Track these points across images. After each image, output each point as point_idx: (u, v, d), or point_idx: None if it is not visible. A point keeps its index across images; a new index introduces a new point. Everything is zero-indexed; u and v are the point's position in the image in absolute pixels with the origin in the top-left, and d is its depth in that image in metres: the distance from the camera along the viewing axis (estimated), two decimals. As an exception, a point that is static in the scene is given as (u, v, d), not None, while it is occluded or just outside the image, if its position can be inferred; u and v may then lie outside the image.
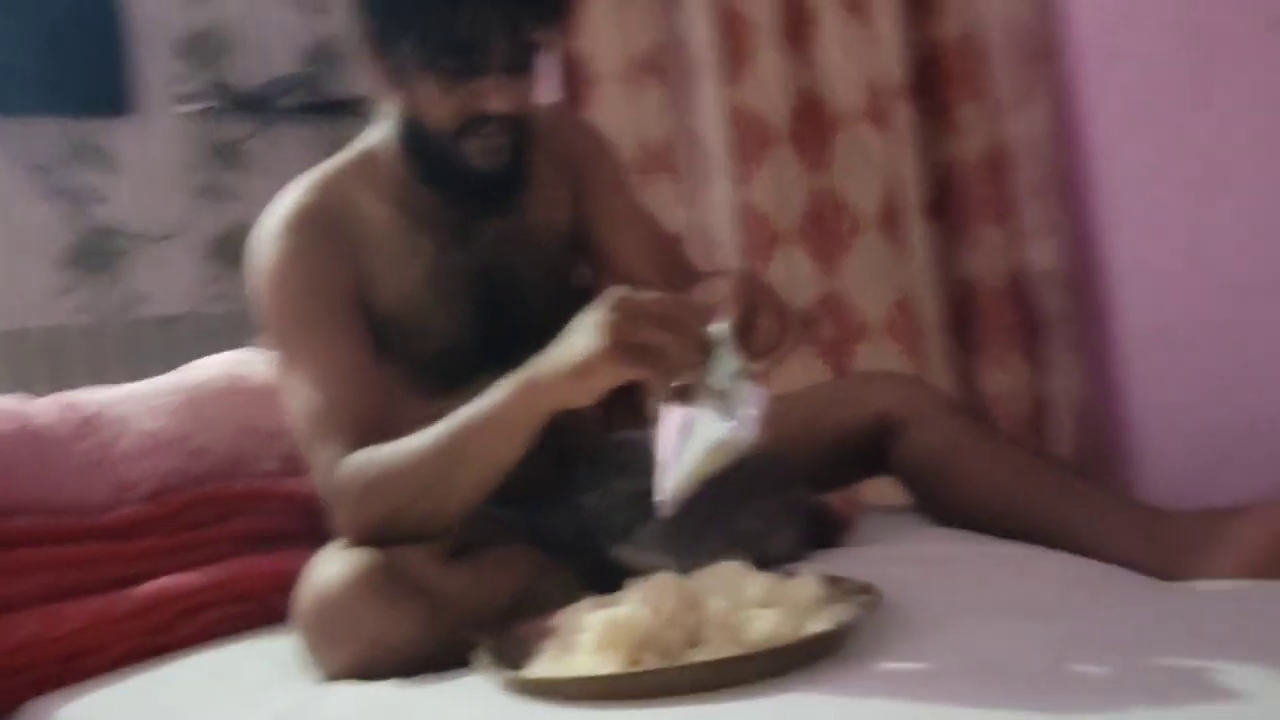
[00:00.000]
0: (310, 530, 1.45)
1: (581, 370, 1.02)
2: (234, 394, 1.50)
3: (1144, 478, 1.79)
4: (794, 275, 2.38)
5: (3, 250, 2.32)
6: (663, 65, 2.50)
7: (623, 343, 0.99)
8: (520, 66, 1.26)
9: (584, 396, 1.05)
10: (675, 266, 1.44)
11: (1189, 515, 1.17)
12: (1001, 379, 2.06)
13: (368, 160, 1.37)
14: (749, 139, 2.40)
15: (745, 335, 1.02)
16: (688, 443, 1.00)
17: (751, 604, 0.99)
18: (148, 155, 2.51)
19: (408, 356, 1.33)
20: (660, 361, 0.99)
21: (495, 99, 1.24)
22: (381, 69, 1.28)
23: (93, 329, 2.41)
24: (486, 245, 1.38)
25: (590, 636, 0.93)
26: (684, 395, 1.00)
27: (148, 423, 1.41)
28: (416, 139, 1.29)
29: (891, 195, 2.21)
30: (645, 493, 1.27)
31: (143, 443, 1.39)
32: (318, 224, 1.30)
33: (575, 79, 2.60)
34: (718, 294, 1.06)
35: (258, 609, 1.33)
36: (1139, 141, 1.83)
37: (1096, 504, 1.23)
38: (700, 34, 2.46)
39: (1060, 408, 1.94)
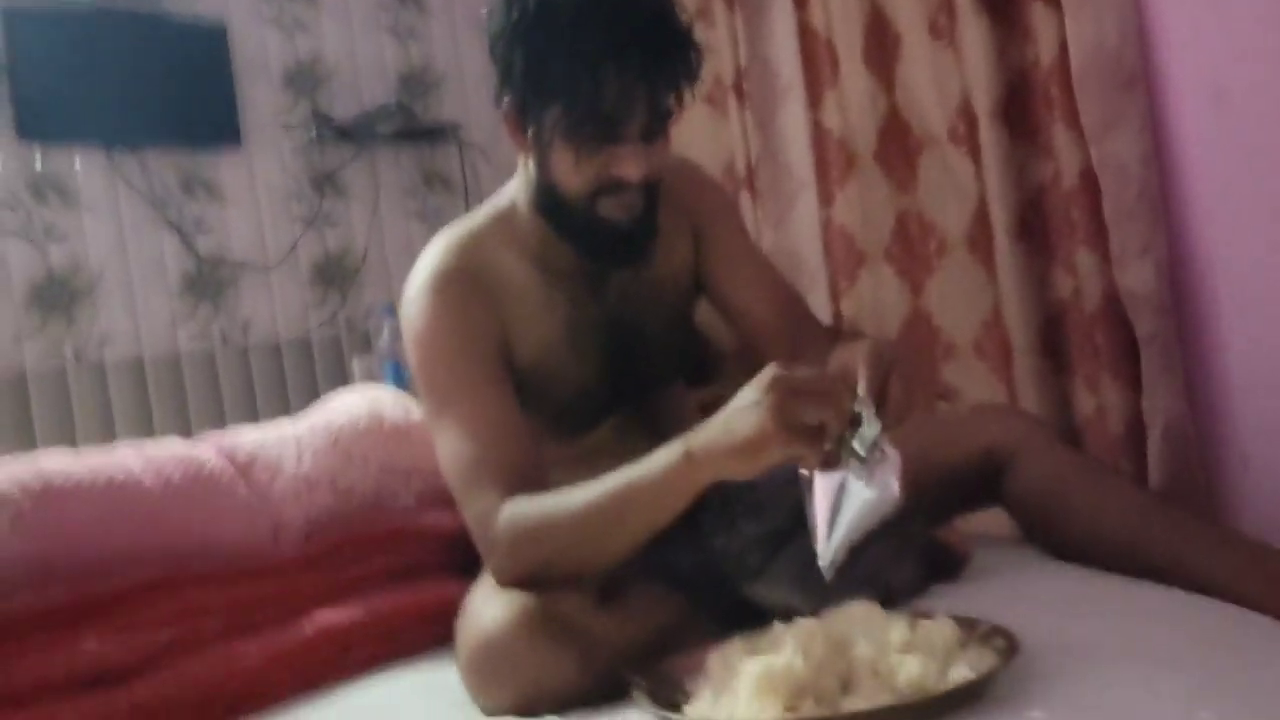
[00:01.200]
0: (445, 564, 1.55)
1: (747, 450, 1.07)
2: (374, 434, 1.58)
3: (1244, 503, 1.81)
4: (881, 295, 2.43)
5: (124, 280, 2.43)
6: (747, 87, 2.57)
7: (786, 424, 1.04)
8: (656, 133, 1.32)
9: (747, 473, 1.09)
10: (798, 316, 1.51)
11: (1306, 554, 1.21)
12: (1094, 401, 2.10)
13: (504, 218, 1.44)
14: (834, 159, 2.46)
15: (879, 401, 1.08)
16: (844, 507, 1.07)
17: (895, 648, 1.05)
18: (255, 185, 2.61)
19: (542, 403, 1.41)
20: (819, 439, 1.06)
21: (632, 166, 1.30)
22: (520, 134, 1.35)
23: (205, 355, 2.52)
24: (616, 297, 1.45)
25: (748, 683, 1.00)
26: (830, 461, 1.07)
27: (298, 465, 1.49)
28: (552, 202, 1.36)
29: (979, 216, 2.25)
30: (773, 533, 1.35)
31: (296, 484, 1.48)
32: (462, 282, 1.37)
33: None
34: (851, 359, 1.11)
35: (403, 643, 1.41)
36: (1233, 164, 1.84)
37: (1209, 540, 1.28)
38: (786, 56, 2.52)
39: (1155, 431, 1.97)
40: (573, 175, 1.32)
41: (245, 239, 2.60)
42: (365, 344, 2.73)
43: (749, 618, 1.31)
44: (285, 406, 2.60)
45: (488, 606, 1.20)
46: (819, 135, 2.50)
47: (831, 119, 2.47)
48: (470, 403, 1.30)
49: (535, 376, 1.39)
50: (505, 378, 1.35)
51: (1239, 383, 1.78)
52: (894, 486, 1.05)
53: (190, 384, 2.50)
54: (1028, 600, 1.26)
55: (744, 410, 1.07)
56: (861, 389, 1.07)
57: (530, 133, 1.33)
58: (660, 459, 1.15)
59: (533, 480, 1.27)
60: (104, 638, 1.23)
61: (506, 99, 1.32)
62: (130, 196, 2.45)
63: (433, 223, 2.88)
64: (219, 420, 2.51)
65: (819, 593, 1.27)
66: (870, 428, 1.06)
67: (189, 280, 2.53)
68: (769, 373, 1.07)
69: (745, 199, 2.62)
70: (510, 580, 1.22)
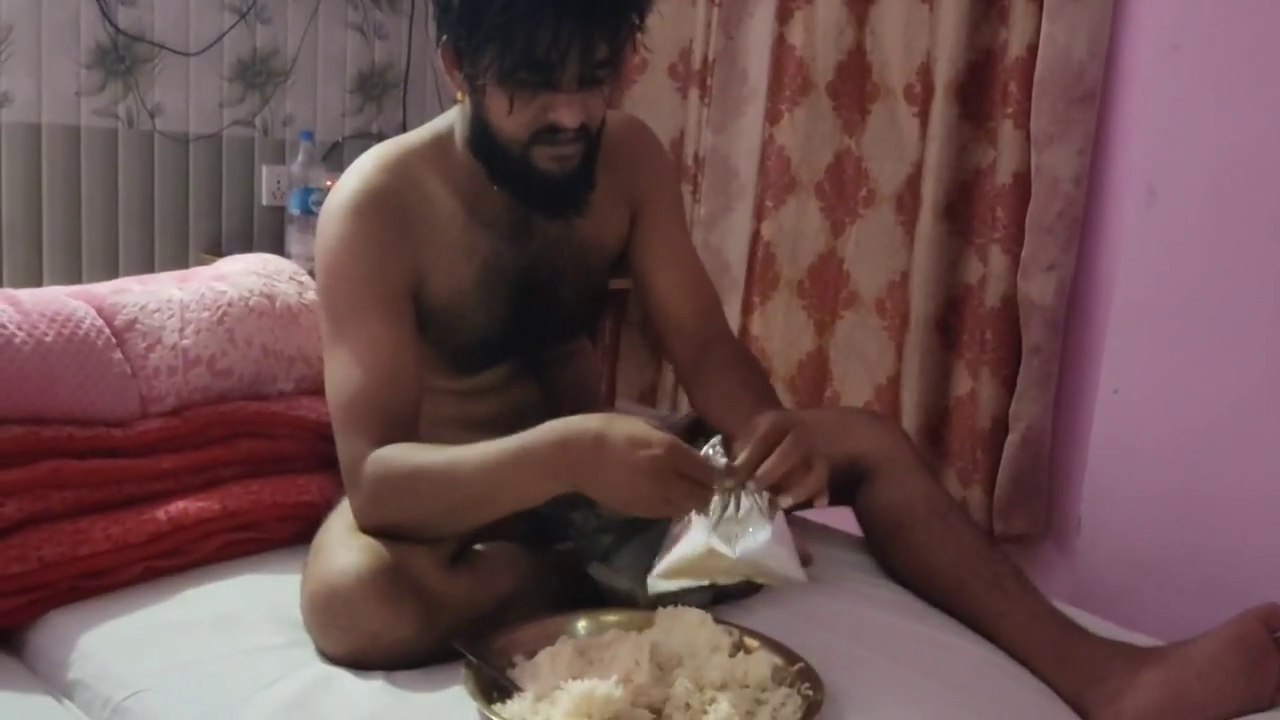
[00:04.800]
0: (313, 454, 1.56)
1: (614, 502, 1.14)
2: (262, 315, 1.56)
3: (1069, 559, 1.91)
4: (802, 226, 2.45)
5: (32, 46, 2.29)
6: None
7: (653, 499, 1.12)
8: (593, 80, 1.30)
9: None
10: (712, 322, 1.53)
11: (1105, 647, 1.31)
12: (970, 386, 2.18)
13: (441, 145, 1.39)
14: (789, 79, 2.42)
15: (767, 473, 1.15)
16: (685, 539, 1.13)
17: (710, 685, 1.13)
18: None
19: (441, 340, 1.41)
20: (678, 510, 1.14)
21: (567, 113, 1.28)
22: (457, 72, 1.31)
23: (108, 132, 2.42)
24: (537, 249, 1.43)
25: (566, 702, 1.07)
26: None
27: (179, 337, 1.47)
28: (487, 144, 1.33)
29: (912, 180, 2.26)
30: (628, 522, 1.40)
31: (173, 358, 1.46)
32: (385, 209, 1.33)
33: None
34: (752, 431, 1.17)
35: (258, 537, 1.44)
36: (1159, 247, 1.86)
37: (1026, 609, 1.37)
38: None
39: (1015, 434, 2.07)
40: (507, 120, 1.29)
41: (168, 19, 2.46)
42: (279, 154, 2.65)
43: (594, 587, 1.38)
44: (184, 201, 2.53)
45: (340, 551, 1.22)
46: (780, 50, 2.45)
47: (796, 37, 2.42)
48: (365, 336, 1.30)
49: (440, 316, 1.39)
50: (406, 314, 1.34)
51: (1096, 438, 1.86)
52: (763, 547, 1.12)
53: (86, 160, 2.41)
54: (843, 619, 1.35)
55: (630, 458, 1.11)
56: (741, 458, 1.14)
57: (466, 75, 1.29)
58: (539, 458, 1.17)
59: (407, 425, 1.29)
60: (-53, 502, 1.22)
61: (444, 38, 1.29)
62: (49, -45, 2.28)
63: (371, 40, 2.76)
64: (111, 203, 2.44)
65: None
66: (742, 495, 1.12)
67: (101, 52, 2.40)
68: (661, 449, 1.11)
69: (694, 95, 2.58)
70: (369, 526, 1.25)
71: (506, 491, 1.20)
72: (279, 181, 2.61)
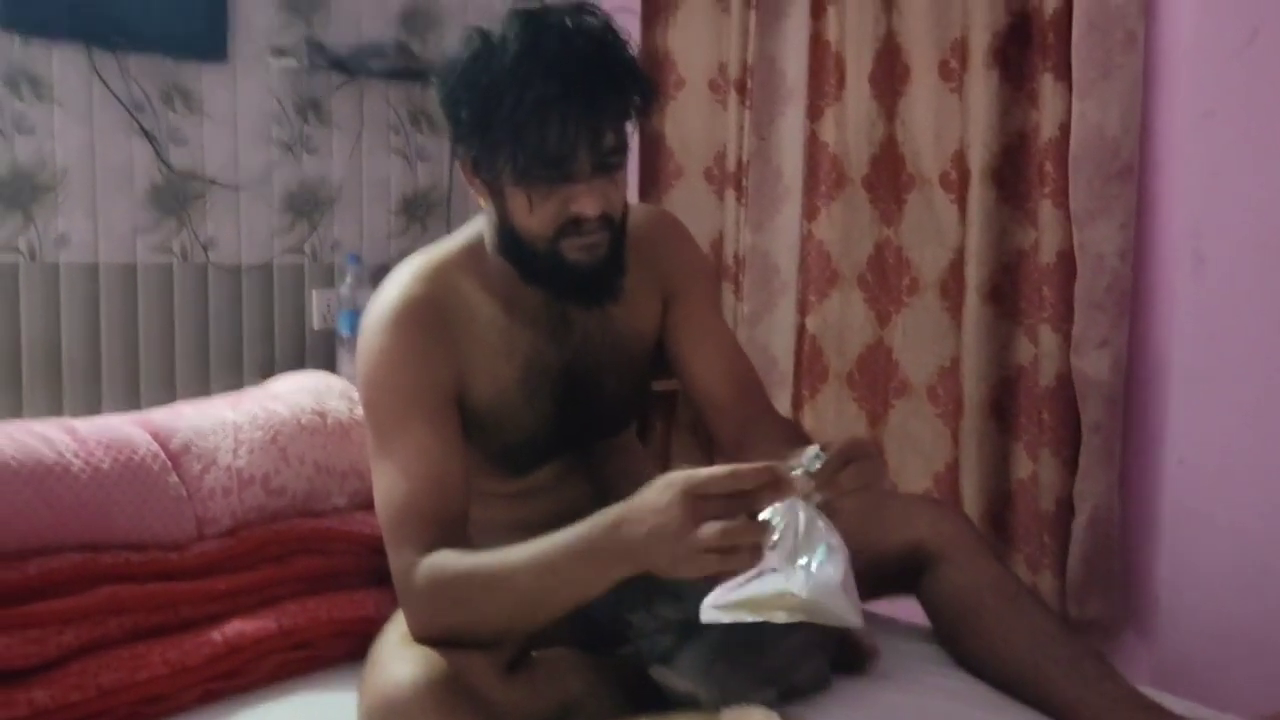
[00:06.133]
0: (369, 569, 1.56)
1: (674, 572, 1.10)
2: (314, 432, 1.57)
3: (1148, 636, 1.83)
4: (847, 319, 2.44)
5: (89, 185, 2.38)
6: (750, 84, 2.53)
7: (695, 560, 1.07)
8: (608, 167, 1.31)
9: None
10: (755, 400, 1.51)
11: (1189, 727, 1.25)
12: (1031, 469, 2.14)
13: (472, 252, 1.42)
14: (824, 175, 2.44)
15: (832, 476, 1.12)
16: (758, 576, 1.08)
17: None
18: (236, 103, 2.55)
19: (488, 442, 1.41)
20: (729, 562, 1.08)
21: (588, 202, 1.29)
22: (476, 180, 1.34)
23: (163, 269, 2.48)
24: (578, 344, 1.44)
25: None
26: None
27: (233, 458, 1.48)
28: (515, 245, 1.35)
29: (954, 266, 2.25)
30: (688, 621, 1.37)
31: (227, 479, 1.47)
32: (425, 318, 1.35)
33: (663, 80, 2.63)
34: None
35: (314, 655, 1.42)
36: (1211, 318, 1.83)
37: (1106, 694, 1.32)
38: (794, 60, 2.48)
39: (1082, 516, 2.01)
40: (530, 219, 1.31)
41: (219, 156, 2.54)
42: (328, 278, 2.70)
43: (654, 691, 1.34)
44: (238, 329, 2.58)
45: (395, 663, 1.21)
46: (814, 148, 2.48)
47: (829, 134, 2.45)
48: (410, 445, 1.30)
49: (486, 418, 1.39)
50: (452, 422, 1.34)
51: (1167, 510, 1.81)
52: (827, 586, 1.07)
53: (143, 296, 2.46)
54: (915, 715, 1.30)
55: (658, 539, 1.08)
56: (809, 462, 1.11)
57: (485, 181, 1.32)
58: (596, 543, 1.14)
59: (457, 531, 1.28)
60: (8, 633, 1.22)
61: (461, 150, 1.33)
62: (105, 98, 2.38)
63: (414, 163, 2.83)
64: (168, 335, 2.49)
65: (722, 685, 1.31)
66: (807, 519, 1.08)
67: (156, 191, 2.47)
68: (675, 488, 1.07)
69: (730, 196, 2.61)
70: (424, 635, 1.24)
71: (566, 584, 1.17)
72: (329, 305, 2.66)
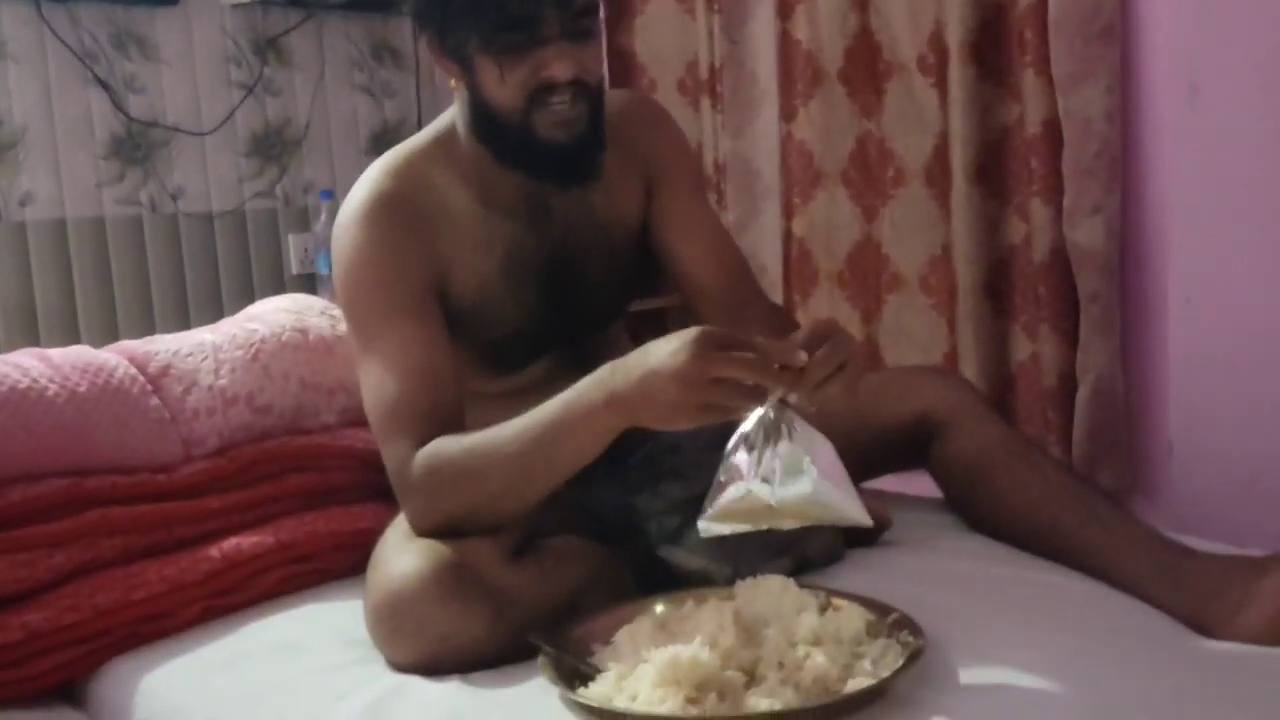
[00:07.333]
0: (363, 484, 1.52)
1: (664, 420, 1.07)
2: (297, 348, 1.53)
3: (1165, 487, 1.81)
4: (833, 217, 2.40)
5: (49, 140, 2.32)
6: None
7: (703, 405, 1.04)
8: (578, 32, 1.27)
9: (666, 428, 1.09)
10: (744, 287, 1.47)
11: (1217, 561, 1.22)
12: (1031, 349, 2.10)
13: (446, 141, 1.37)
14: (799, 73, 2.39)
15: (811, 376, 1.06)
16: (732, 485, 1.05)
17: (803, 641, 1.05)
18: (192, 46, 2.48)
19: (474, 340, 1.37)
20: (731, 413, 1.05)
21: (559, 66, 1.25)
22: (444, 58, 1.30)
23: (132, 220, 2.43)
24: (559, 233, 1.40)
25: (652, 671, 1.00)
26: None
27: (215, 378, 1.44)
28: (488, 122, 1.30)
29: (939, 151, 2.21)
30: (694, 499, 1.33)
31: (210, 399, 1.43)
32: (398, 213, 1.31)
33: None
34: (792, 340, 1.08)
35: (316, 568, 1.39)
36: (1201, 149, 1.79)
37: (1126, 536, 1.29)
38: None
39: (1085, 387, 1.98)
40: (502, 89, 1.27)
41: (180, 103, 2.48)
42: (302, 221, 2.65)
43: (665, 574, 1.31)
44: (215, 279, 2.53)
45: (398, 557, 1.18)
46: (787, 46, 2.42)
47: (801, 31, 2.39)
48: (395, 340, 1.26)
49: (469, 312, 1.35)
50: (434, 314, 1.30)
51: (1175, 354, 1.78)
52: (822, 484, 1.03)
53: (115, 250, 2.41)
54: (935, 580, 1.27)
55: (664, 363, 1.04)
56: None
57: (452, 56, 1.28)
58: (582, 402, 1.12)
59: (452, 425, 1.24)
60: (-2, 557, 1.19)
61: (426, 31, 1.29)
62: (58, 50, 2.31)
63: (379, 98, 2.77)
64: (144, 289, 2.44)
65: (734, 560, 1.28)
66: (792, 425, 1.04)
67: (117, 142, 2.41)
68: (694, 329, 1.04)
69: (705, 104, 2.56)
70: (427, 526, 1.21)
71: (564, 443, 1.14)
72: (305, 249, 2.61)
